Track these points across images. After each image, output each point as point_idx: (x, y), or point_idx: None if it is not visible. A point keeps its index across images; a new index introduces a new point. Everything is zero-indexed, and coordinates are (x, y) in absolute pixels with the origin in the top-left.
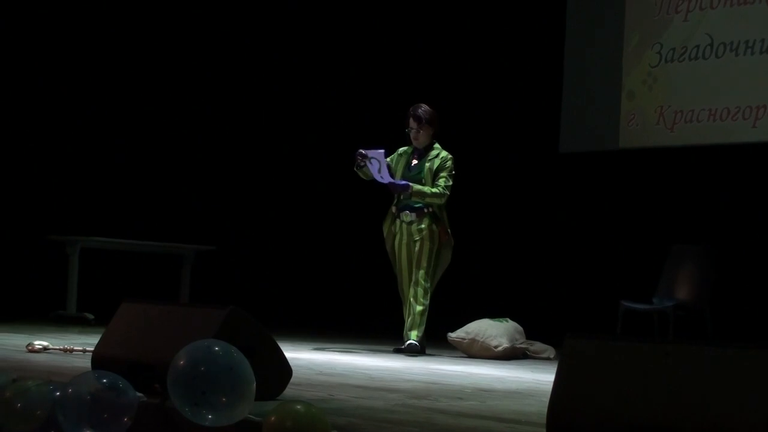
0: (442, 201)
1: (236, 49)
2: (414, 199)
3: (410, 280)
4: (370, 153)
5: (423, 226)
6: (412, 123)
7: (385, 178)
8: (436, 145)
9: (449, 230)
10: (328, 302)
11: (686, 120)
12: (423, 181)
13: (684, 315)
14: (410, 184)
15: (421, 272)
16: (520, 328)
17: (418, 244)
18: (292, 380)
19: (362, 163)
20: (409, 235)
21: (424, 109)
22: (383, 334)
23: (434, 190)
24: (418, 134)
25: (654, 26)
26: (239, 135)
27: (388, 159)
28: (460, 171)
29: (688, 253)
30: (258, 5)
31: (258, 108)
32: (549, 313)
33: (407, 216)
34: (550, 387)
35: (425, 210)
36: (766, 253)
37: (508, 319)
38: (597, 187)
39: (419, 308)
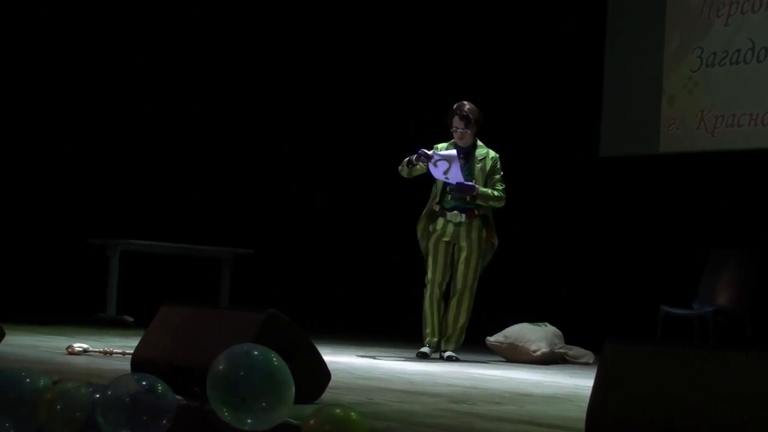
0: (503, 204)
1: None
2: (478, 201)
3: (444, 280)
4: (443, 154)
5: (475, 230)
6: (458, 122)
7: (454, 178)
8: (480, 144)
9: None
10: (367, 306)
11: (727, 124)
12: (475, 182)
13: (724, 320)
14: (476, 185)
15: (469, 286)
16: (559, 333)
17: (465, 252)
18: (330, 384)
19: (416, 163)
20: (455, 237)
21: (470, 107)
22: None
23: (496, 193)
24: (464, 134)
25: (695, 30)
26: (278, 138)
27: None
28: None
29: (728, 258)
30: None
31: (292, 114)
32: (588, 317)
33: (456, 216)
34: (588, 392)
35: (476, 212)
36: None
37: (547, 324)
38: (637, 192)
39: (462, 321)
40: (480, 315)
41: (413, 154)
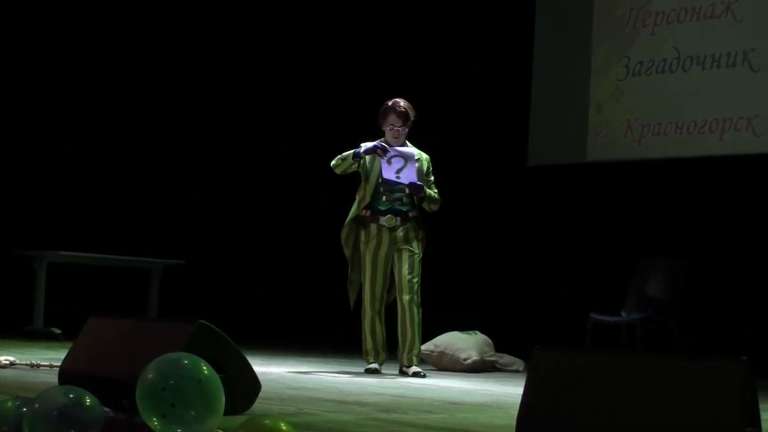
0: (438, 207)
1: (205, 67)
2: (423, 204)
3: (382, 295)
4: (399, 151)
5: (411, 233)
6: (395, 119)
7: (407, 177)
8: (409, 144)
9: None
10: (298, 316)
11: (653, 133)
12: None
13: (652, 327)
14: (424, 186)
15: (416, 291)
16: (490, 341)
17: (407, 258)
18: (261, 395)
19: (377, 154)
20: (391, 243)
21: (405, 104)
22: (355, 348)
23: (435, 195)
24: (399, 133)
25: (621, 40)
26: (207, 147)
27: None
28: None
29: (656, 266)
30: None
31: (224, 119)
32: (518, 325)
33: (392, 220)
34: (519, 400)
35: (410, 215)
36: (733, 265)
37: (477, 332)
38: (565, 200)
39: (416, 332)
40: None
41: (352, 148)
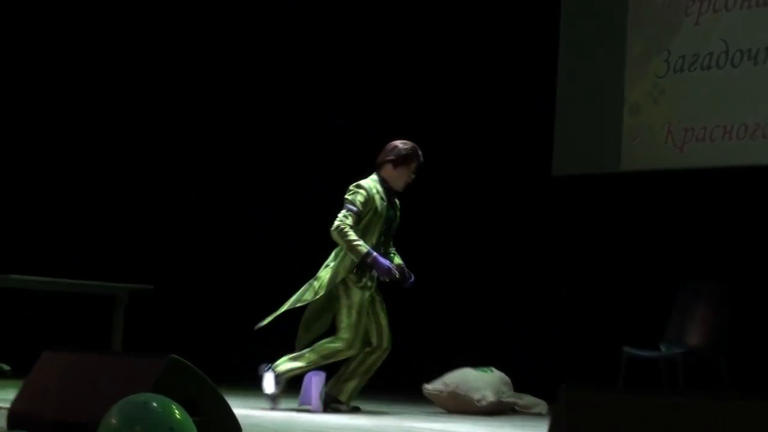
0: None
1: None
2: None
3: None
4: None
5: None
6: (414, 171)
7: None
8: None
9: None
10: (283, 349)
11: (698, 138)
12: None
13: (695, 363)
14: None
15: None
16: (507, 380)
17: (381, 303)
18: None
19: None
20: (375, 291)
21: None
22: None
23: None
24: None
25: (661, 31)
26: (179, 162)
27: (359, 201)
28: (438, 199)
29: (701, 292)
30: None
31: (191, 138)
32: (541, 361)
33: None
34: None
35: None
36: None
37: (493, 369)
38: (595, 216)
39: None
40: (416, 359)
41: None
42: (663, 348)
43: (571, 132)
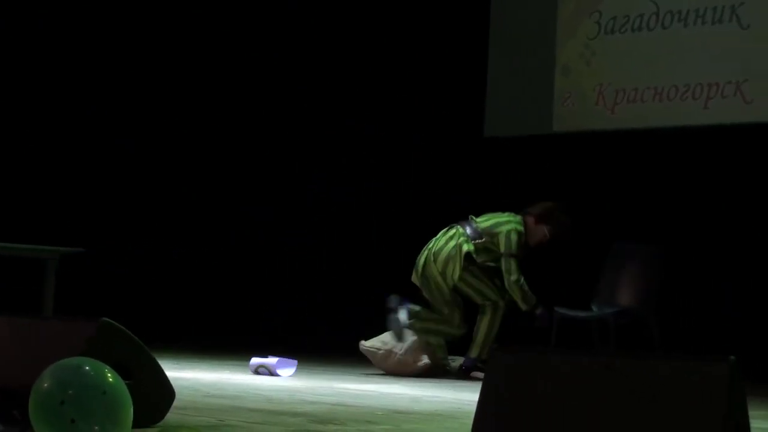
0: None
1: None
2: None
3: None
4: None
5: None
6: (557, 237)
7: None
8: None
9: None
10: (215, 313)
11: (629, 100)
12: None
13: (627, 323)
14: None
15: None
16: (442, 342)
17: None
18: (175, 404)
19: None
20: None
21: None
22: (279, 349)
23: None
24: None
25: None
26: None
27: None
28: (375, 157)
29: (632, 253)
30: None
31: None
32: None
33: None
34: (474, 408)
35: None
36: (719, 252)
37: None
38: (527, 177)
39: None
40: (355, 316)
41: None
42: (594, 308)
43: (503, 93)
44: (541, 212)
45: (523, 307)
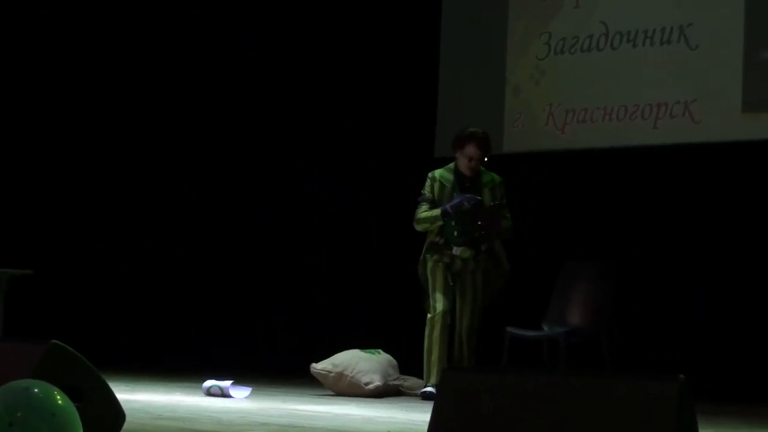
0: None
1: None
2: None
3: (449, 308)
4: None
5: (479, 272)
6: (474, 150)
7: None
8: (483, 168)
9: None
10: (166, 335)
11: (579, 120)
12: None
13: (578, 342)
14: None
15: (475, 330)
16: (394, 362)
17: (469, 294)
18: (126, 426)
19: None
20: (460, 269)
21: (484, 132)
22: (234, 370)
23: (509, 223)
24: (478, 164)
25: (542, 13)
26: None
27: (427, 189)
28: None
29: (582, 272)
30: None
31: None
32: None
33: (465, 252)
34: (426, 428)
35: (482, 247)
36: (670, 271)
37: (380, 351)
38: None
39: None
40: (306, 338)
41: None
42: (545, 328)
43: (454, 113)
44: (452, 145)
45: (432, 228)
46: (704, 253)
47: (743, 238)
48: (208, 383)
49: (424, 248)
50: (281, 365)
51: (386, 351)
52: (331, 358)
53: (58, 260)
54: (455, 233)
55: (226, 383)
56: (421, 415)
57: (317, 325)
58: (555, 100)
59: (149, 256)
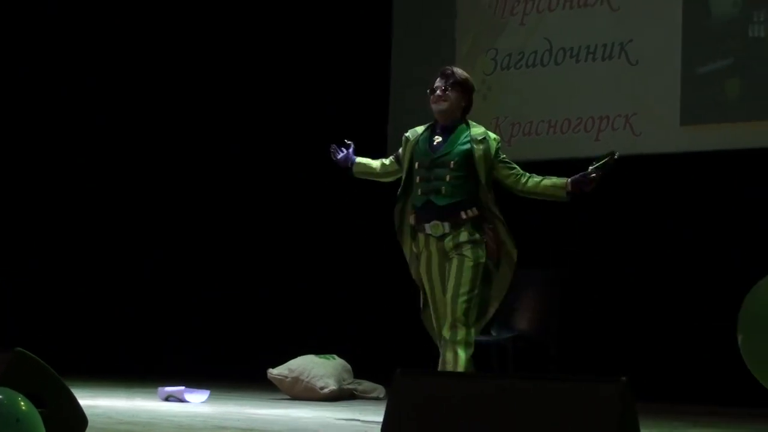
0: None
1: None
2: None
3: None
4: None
5: (466, 246)
6: (438, 81)
7: None
8: (474, 123)
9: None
10: (127, 341)
11: (524, 132)
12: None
13: (525, 347)
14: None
15: (458, 317)
16: (348, 366)
17: (454, 276)
18: (88, 430)
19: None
20: (442, 254)
21: (457, 69)
22: (196, 375)
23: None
24: (442, 96)
25: (488, 30)
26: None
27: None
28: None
29: (528, 279)
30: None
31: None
32: (379, 347)
33: (438, 228)
34: (379, 430)
35: (463, 216)
36: (615, 277)
37: (335, 356)
38: None
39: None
40: (261, 343)
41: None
42: (494, 333)
43: (403, 125)
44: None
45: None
46: (645, 260)
47: (682, 245)
48: (164, 391)
49: (402, 228)
50: (238, 370)
51: (340, 356)
52: (287, 363)
53: (17, 268)
54: (419, 191)
55: (179, 389)
56: (376, 417)
57: (273, 330)
58: (502, 114)
59: (105, 263)
